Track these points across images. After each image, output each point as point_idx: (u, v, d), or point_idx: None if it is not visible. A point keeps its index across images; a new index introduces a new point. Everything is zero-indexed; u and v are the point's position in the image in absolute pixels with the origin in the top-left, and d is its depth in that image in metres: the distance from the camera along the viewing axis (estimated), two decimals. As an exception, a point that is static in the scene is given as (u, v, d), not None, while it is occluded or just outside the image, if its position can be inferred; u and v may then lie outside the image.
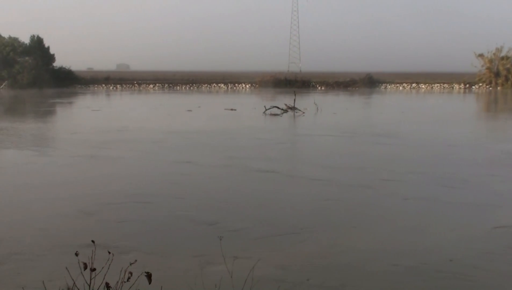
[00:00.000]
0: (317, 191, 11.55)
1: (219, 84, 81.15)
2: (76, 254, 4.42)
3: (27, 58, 68.81)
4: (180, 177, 13.14)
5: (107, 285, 4.30)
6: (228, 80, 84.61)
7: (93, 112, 33.66)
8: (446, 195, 11.15)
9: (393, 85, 79.11)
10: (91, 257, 4.37)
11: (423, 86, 78.90)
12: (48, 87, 65.71)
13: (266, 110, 31.39)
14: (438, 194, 11.18)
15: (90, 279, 4.45)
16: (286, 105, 33.19)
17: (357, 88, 74.40)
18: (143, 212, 9.93)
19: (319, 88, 76.40)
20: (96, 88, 73.23)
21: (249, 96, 52.03)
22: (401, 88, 77.89)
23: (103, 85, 75.91)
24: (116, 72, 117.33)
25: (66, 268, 4.75)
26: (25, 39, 71.60)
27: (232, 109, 34.18)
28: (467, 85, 77.00)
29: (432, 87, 78.26)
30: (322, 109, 33.83)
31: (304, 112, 31.58)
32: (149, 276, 4.35)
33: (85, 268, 4.29)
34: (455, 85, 78.51)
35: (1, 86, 66.73)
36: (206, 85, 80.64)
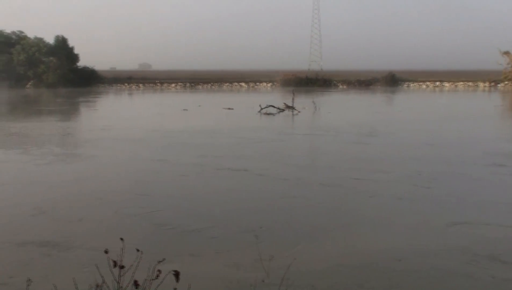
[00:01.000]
0: (281, 189, 11.56)
1: (240, 83, 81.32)
2: (106, 252, 4.50)
3: (51, 58, 69.72)
4: (146, 175, 13.23)
5: (135, 283, 4.38)
6: (249, 79, 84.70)
7: (93, 112, 34.16)
8: (410, 193, 11.20)
9: (416, 84, 78.35)
10: (120, 255, 4.46)
11: (446, 85, 78.00)
12: (72, 86, 66.54)
13: (261, 109, 31.40)
14: (401, 192, 11.25)
15: (119, 277, 4.54)
16: (285, 104, 33.21)
17: (379, 87, 73.85)
18: (98, 211, 10.00)
19: (341, 86, 76.04)
20: (118, 87, 73.95)
21: (263, 95, 51.70)
22: (424, 86, 77.08)
23: (126, 84, 76.67)
24: (139, 72, 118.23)
25: (96, 265, 4.84)
26: (50, 39, 72.72)
27: (229, 108, 34.12)
28: (492, 83, 75.86)
29: (456, 85, 77.33)
30: (320, 108, 33.75)
31: (299, 111, 31.50)
32: (176, 274, 4.41)
33: (115, 265, 4.37)
34: (480, 83, 77.46)
35: (27, 86, 67.77)
36: (227, 84, 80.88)
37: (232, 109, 33.87)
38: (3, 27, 77.08)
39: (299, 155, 16.41)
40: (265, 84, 79.56)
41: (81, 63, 74.49)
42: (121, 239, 4.69)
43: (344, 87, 75.26)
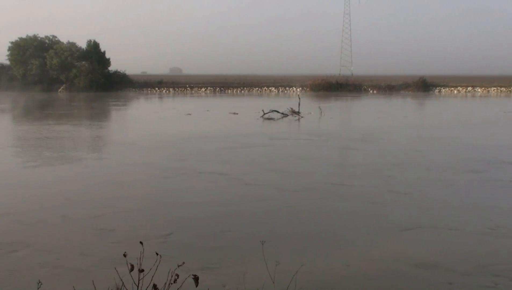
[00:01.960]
0: (252, 193, 11.72)
1: (270, 88, 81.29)
2: (125, 255, 4.45)
3: (83, 62, 70.82)
4: (124, 178, 13.60)
5: (154, 286, 4.31)
6: (279, 83, 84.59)
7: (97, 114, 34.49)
8: (383, 198, 11.40)
9: (447, 89, 77.09)
10: (140, 258, 4.40)
11: (479, 90, 76.57)
12: (103, 90, 67.48)
13: (264, 114, 31.23)
14: (375, 197, 11.47)
15: (139, 280, 4.48)
16: (291, 108, 33.14)
17: (410, 92, 72.92)
18: (63, 211, 10.23)
19: (371, 91, 75.38)
20: (149, 91, 74.61)
21: (285, 100, 51.14)
22: (455, 91, 75.83)
23: (156, 88, 77.28)
24: (169, 76, 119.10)
25: (115, 268, 4.79)
26: (82, 44, 73.93)
27: (234, 113, 34.07)
28: (527, 89, 74.16)
29: (489, 90, 75.82)
30: (325, 114, 33.43)
31: (302, 117, 31.41)
32: (196, 279, 4.34)
33: (132, 269, 4.31)
34: (514, 89, 75.80)
35: (59, 90, 68.99)
36: (257, 88, 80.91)
37: (237, 114, 33.85)
38: (37, 32, 78.58)
39: (280, 161, 16.44)
40: (294, 88, 79.36)
41: (113, 67, 75.69)
42: (141, 242, 4.62)
43: (374, 92, 74.58)
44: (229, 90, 79.04)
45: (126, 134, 23.18)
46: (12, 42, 72.89)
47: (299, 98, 34.63)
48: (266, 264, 6.14)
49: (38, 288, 4.50)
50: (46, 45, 73.37)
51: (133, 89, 74.90)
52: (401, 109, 43.66)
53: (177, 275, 4.34)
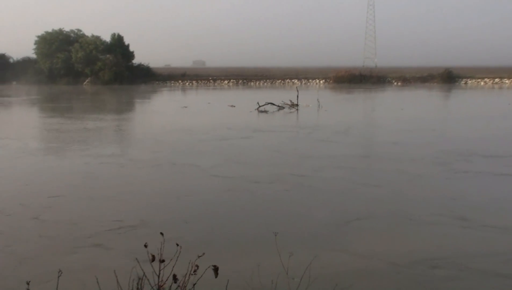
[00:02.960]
0: (215, 185, 11.84)
1: (293, 80, 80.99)
2: (145, 246, 4.50)
3: (108, 55, 71.45)
4: (99, 169, 13.91)
5: (174, 277, 4.36)
6: (302, 75, 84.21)
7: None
8: (338, 188, 11.58)
9: (474, 80, 75.85)
10: (160, 249, 4.46)
11: (506, 82, 75.13)
12: (127, 83, 68.06)
13: (259, 106, 31.16)
14: (332, 188, 11.63)
15: (159, 270, 4.54)
16: (290, 101, 33.18)
17: (435, 84, 71.97)
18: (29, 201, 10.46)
19: (395, 83, 74.58)
20: (172, 84, 75.01)
21: (302, 92, 50.87)
22: (482, 83, 74.56)
23: (180, 81, 77.64)
24: (192, 69, 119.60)
25: (136, 259, 4.86)
26: (107, 37, 74.59)
27: (232, 106, 34.09)
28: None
29: (517, 82, 74.42)
30: (322, 106, 33.07)
31: (297, 109, 31.42)
32: (216, 269, 4.37)
33: (153, 259, 4.37)
34: (542, 80, 74.26)
35: (84, 83, 69.78)
36: (279, 80, 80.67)
37: (234, 106, 33.90)
38: (63, 26, 79.53)
39: (255, 153, 16.54)
40: (317, 81, 78.94)
41: (136, 60, 76.24)
42: (161, 233, 4.68)
43: (399, 84, 73.75)
44: (252, 83, 79.01)
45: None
46: (38, 36, 73.91)
47: (297, 91, 34.62)
48: (279, 255, 6.15)
49: (58, 277, 4.59)
50: (71, 38, 74.23)
51: (157, 82, 75.33)
52: (410, 101, 42.97)
53: (197, 266, 4.39)
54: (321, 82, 77.73)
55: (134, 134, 21.71)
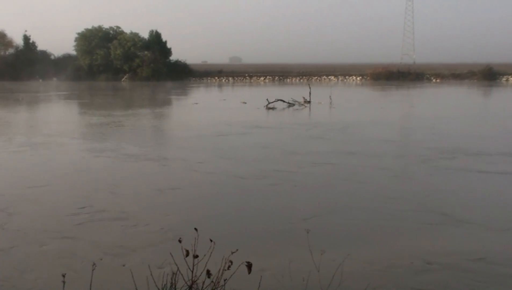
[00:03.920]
0: (196, 180, 11.80)
1: (329, 77, 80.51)
2: (180, 241, 4.54)
3: (146, 52, 72.45)
4: (85, 161, 14.15)
5: (207, 272, 4.38)
6: (339, 72, 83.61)
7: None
8: (317, 184, 11.45)
9: (516, 77, 73.94)
10: (194, 245, 4.48)
11: (550, 78, 72.96)
12: (165, 79, 68.81)
13: (268, 103, 30.90)
14: (313, 183, 11.53)
15: (193, 266, 4.57)
16: (303, 98, 33.07)
17: (475, 81, 70.39)
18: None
19: (434, 80, 73.28)
20: (209, 80, 75.49)
21: (337, 89, 50.20)
22: (525, 80, 72.60)
23: (216, 78, 78.09)
24: (229, 65, 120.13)
25: (170, 253, 4.90)
26: (145, 34, 75.59)
27: (244, 102, 33.96)
28: None
29: (561, 79, 72.13)
30: (333, 103, 32.38)
31: (306, 106, 31.12)
32: (249, 265, 4.38)
33: (187, 255, 4.40)
34: None
35: (123, 79, 70.89)
36: (316, 77, 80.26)
37: (245, 103, 33.73)
38: (102, 23, 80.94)
39: (245, 149, 16.40)
40: (354, 77, 78.25)
41: (174, 57, 77.04)
42: (195, 229, 4.70)
43: (438, 81, 72.43)
44: (288, 79, 78.86)
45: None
46: (78, 33, 75.51)
47: (310, 88, 34.39)
48: (310, 253, 6.10)
49: (93, 270, 4.66)
50: (110, 35, 75.54)
51: (194, 79, 75.97)
52: (438, 98, 41.54)
53: (231, 262, 4.40)
54: (358, 78, 77.00)
55: (129, 129, 21.60)
